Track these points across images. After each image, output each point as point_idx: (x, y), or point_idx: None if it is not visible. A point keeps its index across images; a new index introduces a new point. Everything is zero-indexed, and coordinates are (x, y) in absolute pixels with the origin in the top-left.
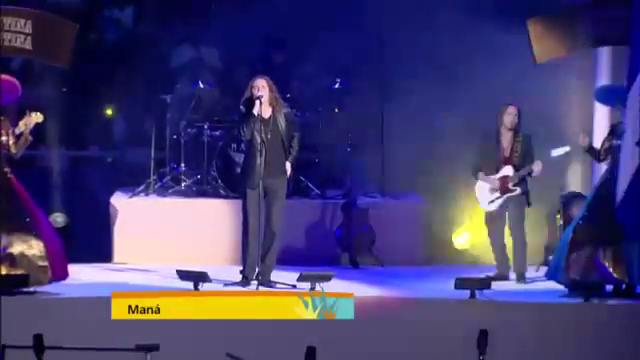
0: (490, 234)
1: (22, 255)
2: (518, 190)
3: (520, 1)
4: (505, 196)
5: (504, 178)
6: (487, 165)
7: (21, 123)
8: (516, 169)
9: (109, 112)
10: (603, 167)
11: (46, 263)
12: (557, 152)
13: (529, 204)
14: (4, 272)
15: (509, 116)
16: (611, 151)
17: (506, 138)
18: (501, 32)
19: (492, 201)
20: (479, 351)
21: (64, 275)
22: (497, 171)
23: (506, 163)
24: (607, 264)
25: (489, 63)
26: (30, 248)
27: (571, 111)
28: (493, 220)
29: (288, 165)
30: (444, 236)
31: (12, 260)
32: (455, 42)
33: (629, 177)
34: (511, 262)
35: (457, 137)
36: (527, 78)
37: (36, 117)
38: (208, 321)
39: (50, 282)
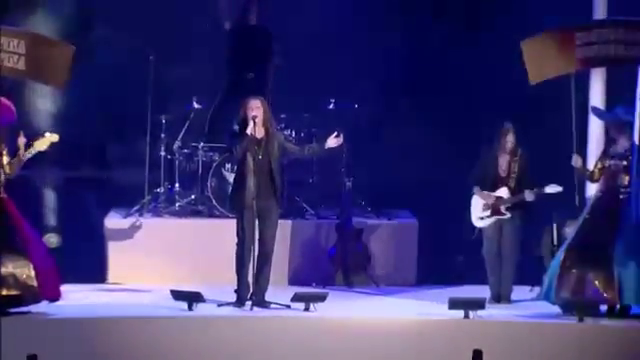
0: (484, 254)
1: (10, 275)
2: (508, 215)
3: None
4: (495, 217)
5: (498, 199)
6: (484, 181)
7: (36, 143)
8: (511, 191)
9: (103, 132)
10: (596, 188)
11: (35, 283)
12: (549, 190)
13: (524, 226)
14: None
15: (507, 141)
16: (604, 171)
17: (504, 158)
18: (497, 50)
19: (482, 218)
20: None
21: (56, 295)
22: (493, 189)
23: (502, 184)
24: (599, 284)
25: (486, 82)
26: (18, 268)
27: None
28: (485, 238)
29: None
30: (438, 256)
31: (1, 280)
32: (451, 61)
33: None
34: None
35: (452, 157)
36: (522, 96)
37: (51, 137)
38: (207, 342)
39: (40, 302)
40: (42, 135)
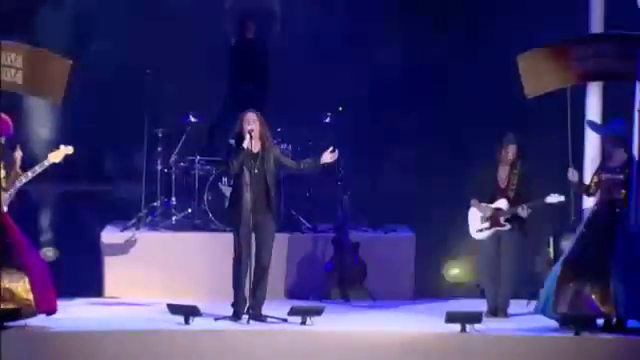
0: (480, 265)
1: (7, 289)
2: (507, 226)
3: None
4: (494, 229)
5: (497, 210)
6: (483, 193)
7: (51, 155)
8: (510, 202)
9: (100, 146)
10: (592, 201)
11: (31, 297)
12: (551, 200)
13: (523, 238)
14: None
15: (508, 152)
16: (600, 185)
17: (504, 170)
18: (496, 65)
19: (481, 230)
20: None
21: (52, 309)
22: (492, 201)
23: (502, 195)
24: (595, 298)
25: (485, 96)
26: (14, 282)
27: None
28: (483, 250)
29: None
30: (435, 269)
31: None
32: (450, 75)
33: None
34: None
35: (448, 170)
36: (521, 110)
37: (66, 149)
38: (203, 356)
39: (35, 315)
40: (57, 147)
